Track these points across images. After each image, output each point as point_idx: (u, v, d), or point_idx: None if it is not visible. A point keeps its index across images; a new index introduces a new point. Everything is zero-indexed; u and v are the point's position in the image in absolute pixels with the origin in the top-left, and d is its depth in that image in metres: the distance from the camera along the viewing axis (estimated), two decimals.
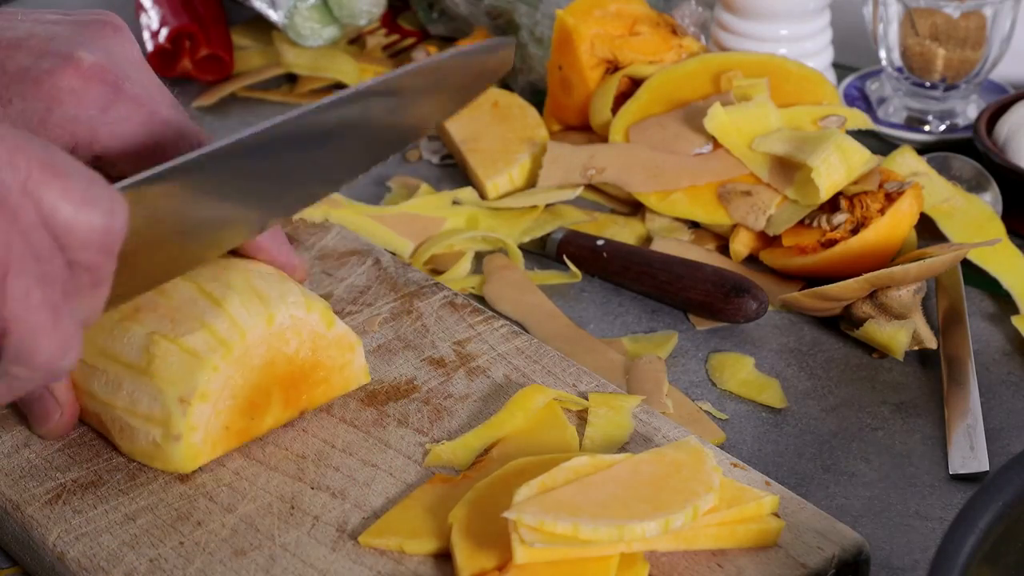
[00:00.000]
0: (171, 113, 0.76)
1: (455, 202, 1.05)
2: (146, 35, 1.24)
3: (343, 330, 0.81)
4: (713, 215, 1.01)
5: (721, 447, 0.85)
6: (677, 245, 1.01)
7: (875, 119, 1.13)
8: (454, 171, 1.12)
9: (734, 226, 1.00)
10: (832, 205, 0.98)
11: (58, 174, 0.61)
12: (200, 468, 0.78)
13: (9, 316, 0.60)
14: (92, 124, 0.73)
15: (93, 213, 0.61)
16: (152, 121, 0.74)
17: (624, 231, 1.03)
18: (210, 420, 0.77)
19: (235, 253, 0.82)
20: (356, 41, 1.27)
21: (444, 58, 0.78)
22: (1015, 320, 0.94)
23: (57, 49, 0.73)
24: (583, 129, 1.11)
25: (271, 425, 0.80)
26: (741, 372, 0.91)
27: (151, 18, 1.24)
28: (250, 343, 0.77)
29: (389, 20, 1.28)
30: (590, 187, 1.06)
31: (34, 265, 0.60)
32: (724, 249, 1.01)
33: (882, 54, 1.13)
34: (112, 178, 0.72)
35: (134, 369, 0.77)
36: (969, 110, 1.14)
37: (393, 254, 0.96)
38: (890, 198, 0.97)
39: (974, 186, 1.04)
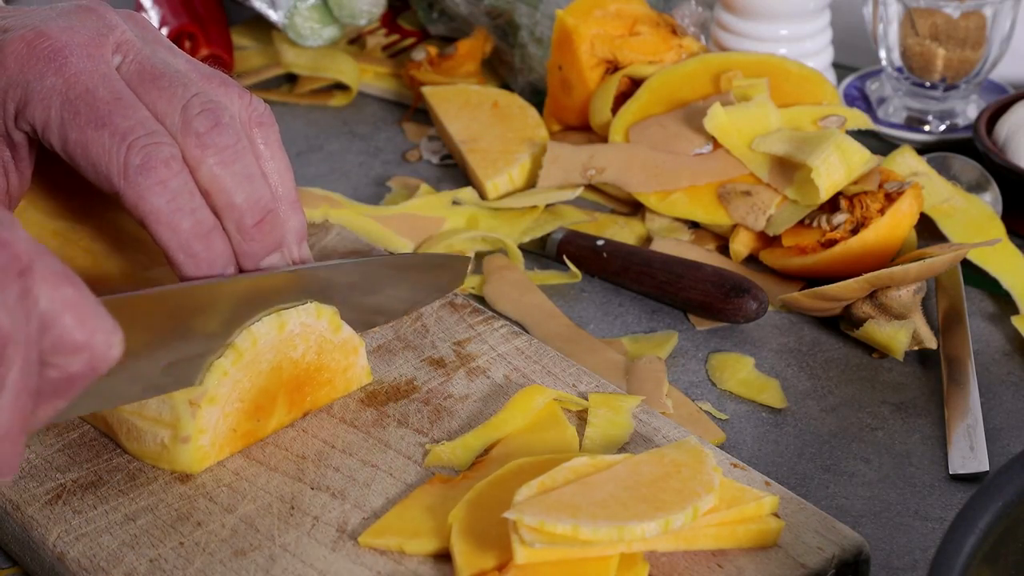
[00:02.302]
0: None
1: (455, 202, 1.05)
2: None
3: (348, 334, 0.81)
4: (713, 215, 1.01)
5: (721, 447, 0.85)
6: (677, 245, 1.01)
7: (875, 119, 1.13)
8: (454, 171, 1.12)
9: (734, 226, 1.00)
10: (832, 205, 0.98)
11: (72, 284, 0.61)
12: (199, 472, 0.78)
13: None
14: (27, 89, 0.73)
15: (96, 329, 0.61)
16: (83, 99, 0.74)
17: (624, 231, 1.03)
18: (218, 423, 0.77)
19: None
20: (356, 41, 1.27)
21: (401, 260, 0.83)
22: (1015, 320, 0.94)
23: (19, 23, 0.75)
24: (583, 129, 1.11)
25: (275, 427, 0.80)
26: (741, 372, 0.91)
27: (151, 18, 1.24)
28: (260, 349, 0.77)
29: (389, 20, 1.28)
30: (590, 187, 1.06)
31: (26, 362, 0.59)
32: (724, 249, 1.01)
33: (882, 54, 1.13)
34: (47, 154, 0.75)
35: None
36: (969, 110, 1.14)
37: (393, 254, 0.96)
38: (890, 198, 0.97)
39: (974, 186, 1.04)
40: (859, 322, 0.93)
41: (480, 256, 1.01)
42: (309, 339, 0.79)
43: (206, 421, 0.76)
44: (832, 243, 0.96)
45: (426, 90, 1.14)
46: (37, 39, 0.74)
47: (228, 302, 0.75)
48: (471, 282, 0.99)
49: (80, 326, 0.61)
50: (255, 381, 0.78)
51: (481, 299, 0.98)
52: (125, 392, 0.73)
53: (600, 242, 1.00)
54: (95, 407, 0.74)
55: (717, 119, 1.00)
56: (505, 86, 1.19)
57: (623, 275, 0.98)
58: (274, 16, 1.22)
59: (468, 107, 1.12)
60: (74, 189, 0.84)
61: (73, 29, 0.74)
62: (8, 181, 0.77)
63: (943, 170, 1.04)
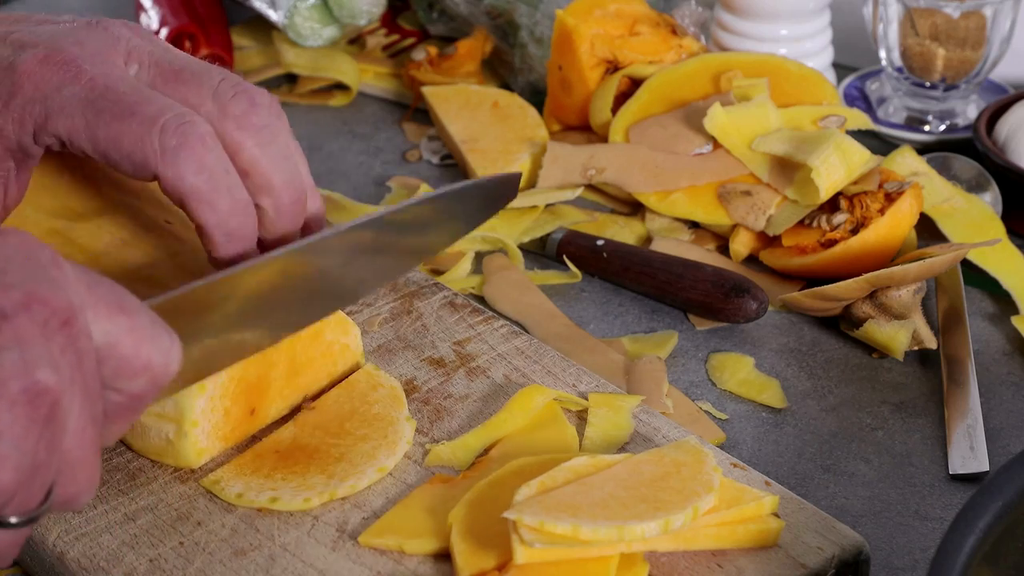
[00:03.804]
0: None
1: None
2: None
3: (339, 314, 0.81)
4: (713, 215, 1.01)
5: (721, 447, 0.85)
6: (677, 245, 1.01)
7: (875, 119, 1.13)
8: (454, 171, 1.12)
9: (734, 226, 1.00)
10: (832, 205, 0.98)
11: (124, 311, 0.62)
12: (200, 467, 0.78)
13: (66, 456, 0.60)
14: (47, 104, 0.74)
15: (153, 350, 0.63)
16: (106, 98, 0.74)
17: (624, 231, 1.03)
18: (211, 411, 0.77)
19: None
20: (356, 41, 1.27)
21: (458, 189, 0.80)
22: (1015, 320, 0.94)
23: (33, 41, 0.75)
24: (583, 129, 1.11)
25: (274, 416, 0.80)
26: (741, 372, 0.91)
27: (151, 18, 1.24)
28: None
29: (389, 20, 1.28)
30: (590, 187, 1.06)
31: (86, 398, 0.61)
32: (724, 249, 1.01)
33: (882, 54, 1.13)
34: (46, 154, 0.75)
35: None
36: (969, 110, 1.14)
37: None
38: (890, 198, 0.97)
39: (974, 186, 1.04)
40: (859, 322, 0.93)
41: (480, 256, 1.01)
42: None
43: (197, 411, 0.76)
44: (832, 243, 0.96)
45: (426, 90, 1.14)
46: (49, 55, 0.74)
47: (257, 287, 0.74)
48: (471, 282, 0.99)
49: (137, 351, 0.62)
50: (246, 366, 0.77)
51: (481, 299, 0.98)
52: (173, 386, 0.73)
53: (600, 242, 1.00)
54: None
55: (717, 119, 1.00)
56: (505, 86, 1.19)
57: (623, 275, 0.98)
58: (274, 16, 1.22)
59: (468, 107, 1.12)
60: (73, 188, 0.84)
61: (82, 43, 0.75)
62: (7, 192, 0.77)
63: (943, 170, 1.04)
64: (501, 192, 0.83)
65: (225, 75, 0.76)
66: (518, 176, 0.84)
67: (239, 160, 0.74)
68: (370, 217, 0.76)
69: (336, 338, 0.82)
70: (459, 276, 0.99)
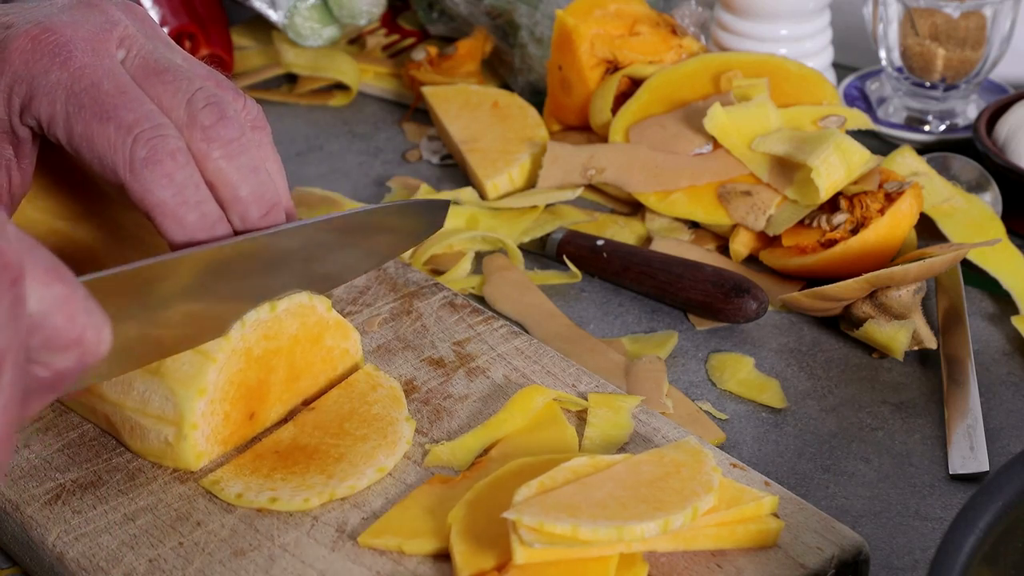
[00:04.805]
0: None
1: (455, 202, 1.05)
2: None
3: (339, 316, 0.81)
4: (713, 215, 1.01)
5: (721, 447, 0.85)
6: (677, 245, 1.00)
7: (875, 119, 1.13)
8: (454, 171, 1.12)
9: (734, 226, 1.00)
10: (832, 205, 0.98)
11: (62, 280, 0.60)
12: (200, 468, 0.78)
13: None
14: (32, 84, 0.74)
15: (88, 324, 0.60)
16: (89, 93, 0.74)
17: (624, 231, 1.03)
18: (211, 414, 0.77)
19: None
20: (356, 41, 1.27)
21: (375, 209, 0.81)
22: (1015, 320, 0.94)
23: (22, 19, 0.75)
24: (583, 129, 1.11)
25: (274, 419, 0.80)
26: (741, 372, 0.91)
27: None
28: (248, 332, 0.77)
29: (389, 20, 1.28)
30: (590, 187, 1.06)
31: (17, 370, 0.58)
32: (724, 249, 1.01)
33: (882, 54, 1.13)
34: (51, 146, 0.75)
35: (146, 369, 0.77)
36: (969, 110, 1.14)
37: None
38: (890, 198, 0.97)
39: (974, 186, 1.04)
40: (859, 322, 0.93)
41: (480, 256, 1.01)
42: (301, 319, 0.79)
43: (197, 414, 0.76)
44: (832, 243, 0.96)
45: (426, 90, 1.14)
46: (42, 34, 0.74)
47: (198, 271, 0.74)
48: (471, 282, 0.99)
49: (70, 324, 0.60)
50: (246, 370, 0.77)
51: (481, 299, 0.98)
52: (103, 371, 0.73)
53: (600, 242, 1.00)
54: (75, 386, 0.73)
55: (717, 119, 1.00)
56: (505, 86, 1.19)
57: (623, 275, 0.98)
58: (274, 16, 1.22)
59: (468, 107, 1.12)
60: (73, 187, 0.84)
61: (77, 24, 0.74)
62: (10, 179, 0.77)
63: (943, 170, 1.04)
64: (422, 226, 0.84)
65: (203, 85, 0.75)
66: (445, 204, 0.85)
67: (206, 171, 0.74)
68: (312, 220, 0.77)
69: (336, 343, 0.82)
70: (459, 276, 0.99)
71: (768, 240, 1.00)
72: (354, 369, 0.83)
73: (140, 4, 1.26)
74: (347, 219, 0.80)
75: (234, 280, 0.76)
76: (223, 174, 0.74)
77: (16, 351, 0.57)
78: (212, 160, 0.74)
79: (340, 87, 1.23)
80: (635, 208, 1.05)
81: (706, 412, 0.88)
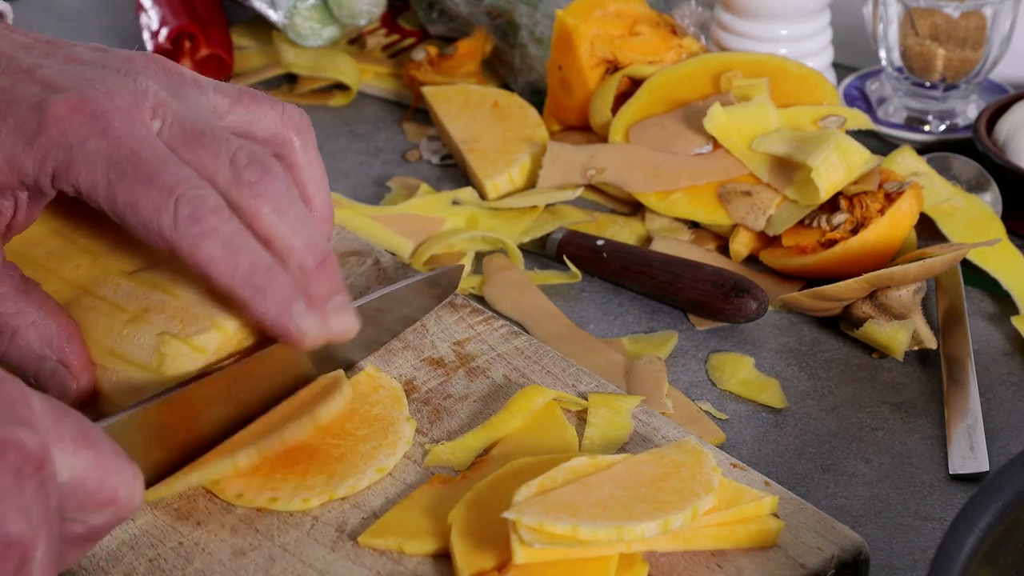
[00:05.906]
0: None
1: (455, 202, 1.05)
2: (146, 35, 1.24)
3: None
4: (713, 215, 1.01)
5: (721, 447, 0.85)
6: (677, 245, 1.01)
7: (875, 119, 1.13)
8: (454, 171, 1.12)
9: (734, 226, 1.00)
10: (832, 205, 0.98)
11: (90, 444, 0.62)
12: None
13: None
14: (70, 153, 0.73)
15: (119, 483, 0.63)
16: (129, 161, 0.74)
17: (624, 231, 1.03)
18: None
19: None
20: (356, 41, 1.27)
21: (394, 290, 0.84)
22: (1015, 320, 0.94)
23: (62, 83, 0.75)
24: (583, 129, 1.11)
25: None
26: (741, 372, 0.91)
27: (151, 18, 1.24)
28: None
29: (389, 20, 1.28)
30: (590, 187, 1.06)
31: (50, 541, 0.60)
32: (724, 249, 1.01)
33: (882, 54, 1.13)
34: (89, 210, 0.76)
35: (145, 369, 0.77)
36: (969, 110, 1.14)
37: (393, 254, 0.96)
38: (890, 198, 0.97)
39: (974, 186, 1.04)
40: (859, 322, 0.93)
41: (480, 256, 1.01)
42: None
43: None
44: (832, 243, 0.96)
45: (426, 90, 1.14)
46: (81, 104, 0.74)
47: (220, 387, 0.77)
48: (471, 282, 0.99)
49: (103, 486, 0.62)
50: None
51: (481, 299, 0.98)
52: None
53: (600, 242, 1.00)
54: None
55: (717, 119, 1.00)
56: (505, 86, 1.19)
57: (623, 275, 0.98)
58: (274, 16, 1.22)
59: (468, 107, 1.12)
60: None
61: (112, 94, 0.74)
62: (16, 215, 0.77)
63: (943, 170, 1.04)
64: (437, 292, 0.88)
65: (243, 144, 0.76)
66: (459, 269, 0.89)
67: (258, 228, 0.74)
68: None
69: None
70: None
71: (768, 240, 1.00)
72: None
73: (142, 6, 1.26)
74: (363, 310, 0.81)
75: (256, 384, 0.77)
76: (276, 228, 0.74)
77: (48, 527, 0.59)
78: (263, 216, 0.74)
79: (340, 87, 1.23)
80: (635, 208, 1.05)
81: (706, 412, 0.88)
